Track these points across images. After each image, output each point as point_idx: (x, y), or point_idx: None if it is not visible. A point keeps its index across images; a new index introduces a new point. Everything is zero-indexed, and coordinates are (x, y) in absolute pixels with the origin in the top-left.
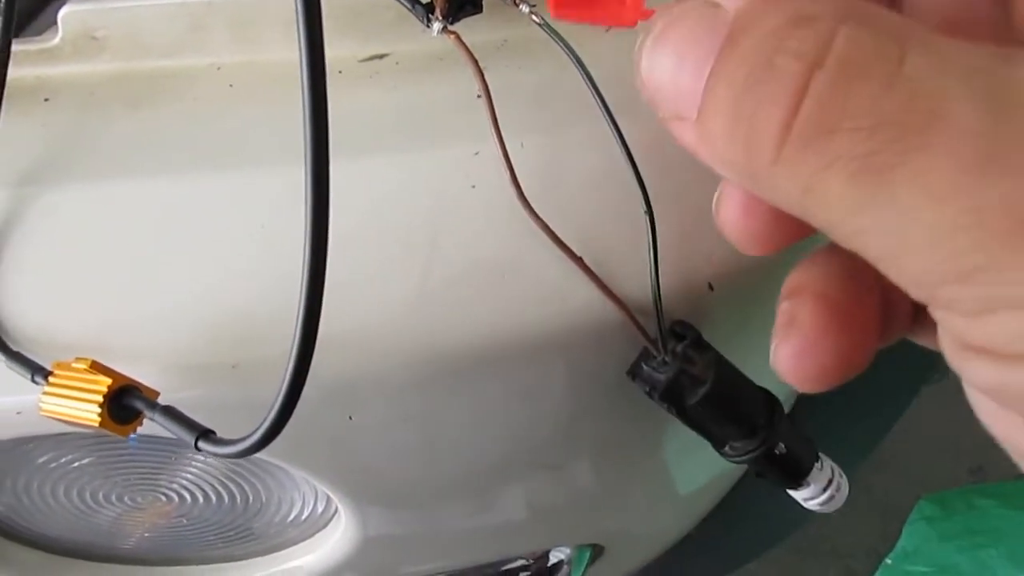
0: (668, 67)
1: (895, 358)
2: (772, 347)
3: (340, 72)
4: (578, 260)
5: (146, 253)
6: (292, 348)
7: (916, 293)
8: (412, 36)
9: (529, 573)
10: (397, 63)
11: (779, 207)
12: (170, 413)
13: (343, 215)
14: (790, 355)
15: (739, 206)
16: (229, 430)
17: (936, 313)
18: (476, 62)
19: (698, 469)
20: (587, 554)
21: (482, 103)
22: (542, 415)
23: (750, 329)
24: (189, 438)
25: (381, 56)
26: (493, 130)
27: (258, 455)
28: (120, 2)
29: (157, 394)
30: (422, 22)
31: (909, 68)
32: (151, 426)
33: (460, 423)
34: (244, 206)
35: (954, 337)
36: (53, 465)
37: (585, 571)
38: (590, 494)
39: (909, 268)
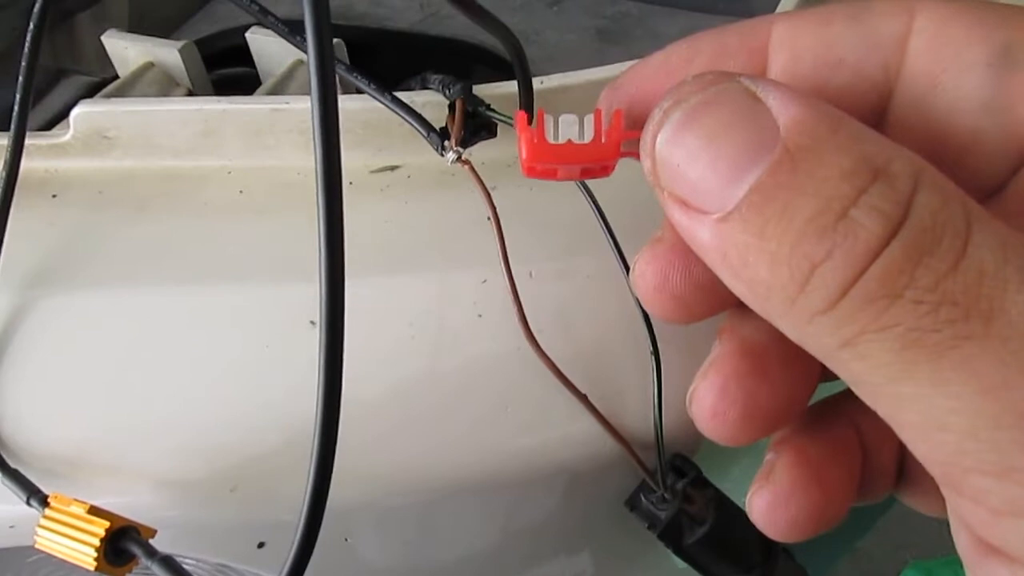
0: (695, 152)
1: None
2: (748, 495)
3: (351, 183)
4: (582, 397)
5: (148, 366)
6: (308, 483)
7: (939, 471)
8: (425, 149)
9: None
10: (409, 176)
11: (798, 342)
12: (168, 564)
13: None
14: (763, 506)
15: (663, 274)
16: (227, 551)
17: (956, 499)
18: (486, 189)
19: None
20: None
21: (492, 226)
22: (540, 542)
23: (748, 462)
24: None
25: (393, 168)
26: (503, 266)
27: (261, 572)
28: (133, 106)
29: (153, 532)
30: (436, 150)
31: (973, 250)
32: None
33: (457, 548)
34: (249, 322)
35: (973, 528)
36: (46, 570)
37: None
38: None
39: (941, 447)
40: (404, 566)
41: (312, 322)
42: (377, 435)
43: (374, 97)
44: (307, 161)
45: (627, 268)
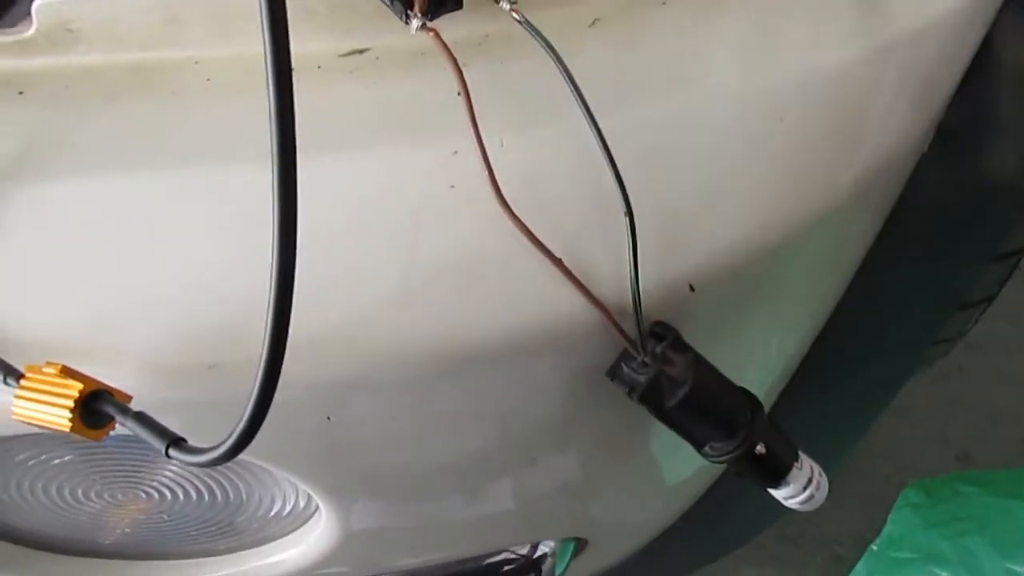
0: None
1: (884, 349)
2: None
3: (319, 67)
4: (558, 262)
5: (122, 251)
6: (262, 355)
7: None
8: (393, 31)
9: (514, 566)
10: (377, 58)
11: None
12: (141, 419)
13: (320, 213)
14: None
15: None
16: (209, 430)
17: None
18: (455, 60)
19: (683, 461)
20: (571, 546)
21: (461, 97)
22: (522, 414)
23: (731, 329)
24: (160, 445)
25: (361, 51)
26: (472, 130)
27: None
28: None
29: (129, 398)
30: (400, 19)
31: None
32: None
33: (439, 422)
34: (223, 203)
35: None
36: (32, 463)
37: (569, 563)
38: (574, 489)
39: None
40: (386, 445)
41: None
42: (352, 309)
43: None
44: None
45: (599, 131)
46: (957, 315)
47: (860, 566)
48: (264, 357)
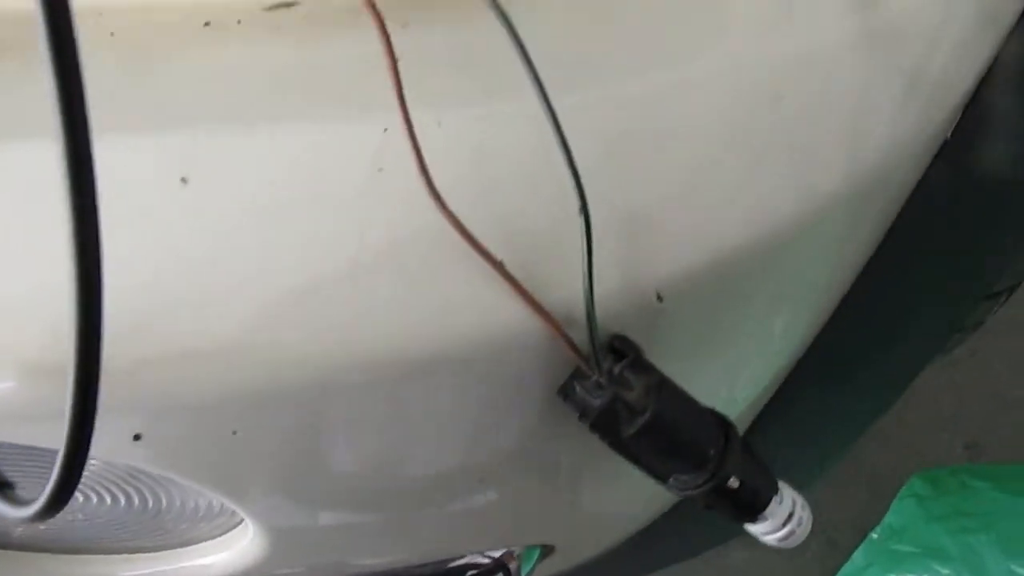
0: None
1: (900, 339)
2: None
3: (239, 22)
4: (497, 264)
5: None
6: (68, 401)
7: None
8: None
9: (477, 571)
10: (306, 15)
11: None
12: None
13: (220, 198)
14: None
15: None
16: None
17: None
18: (380, 19)
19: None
20: (536, 551)
21: (400, 68)
22: (461, 431)
23: (705, 344)
24: None
25: (289, 4)
26: (399, 106)
27: (143, 466)
28: None
29: None
30: None
31: None
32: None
33: (359, 438)
34: (114, 182)
35: None
36: None
37: (535, 567)
38: (528, 506)
39: None
40: (303, 460)
41: (184, 179)
42: (255, 315)
43: None
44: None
45: (553, 112)
46: (981, 305)
47: (858, 555)
48: (71, 403)
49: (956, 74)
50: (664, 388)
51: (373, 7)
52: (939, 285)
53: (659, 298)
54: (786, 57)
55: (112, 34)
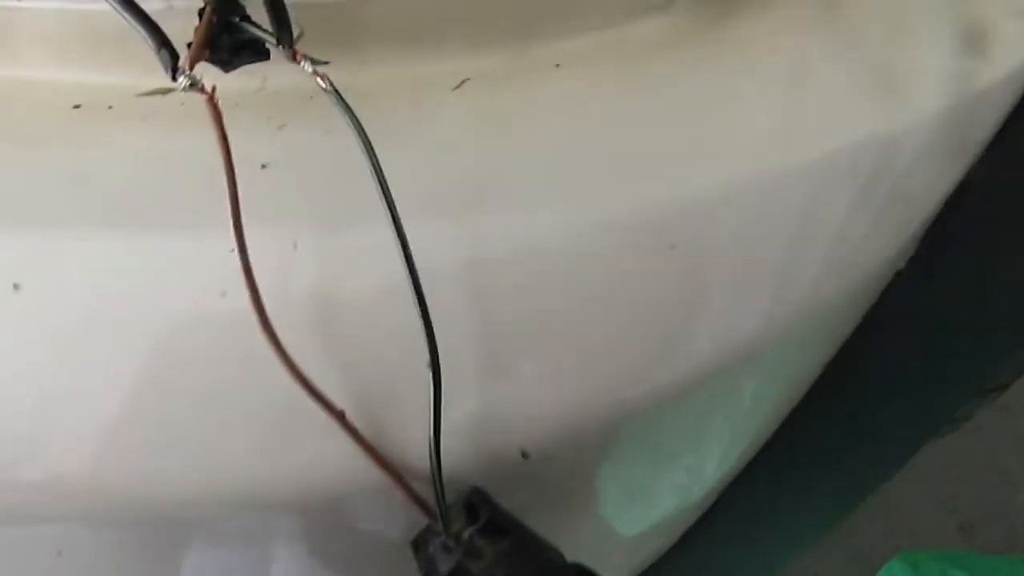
0: None
1: (904, 408)
2: None
3: (110, 107)
4: (338, 415)
5: None
6: None
7: None
8: (211, 68)
9: None
10: (183, 103)
11: None
12: None
13: (38, 315)
14: None
15: None
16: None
17: None
18: (223, 135)
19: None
20: None
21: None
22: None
23: (580, 493)
24: None
25: (165, 92)
26: (233, 235)
27: None
28: None
29: None
30: (166, 72)
31: None
32: None
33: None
34: None
35: None
36: None
37: None
38: None
39: None
40: None
41: (16, 285)
42: (87, 446)
43: None
44: (64, 74)
45: (404, 244)
46: (973, 401)
47: None
48: None
49: (915, 208)
50: (517, 555)
51: (216, 113)
52: (895, 410)
53: (524, 456)
54: (672, 204)
55: None
